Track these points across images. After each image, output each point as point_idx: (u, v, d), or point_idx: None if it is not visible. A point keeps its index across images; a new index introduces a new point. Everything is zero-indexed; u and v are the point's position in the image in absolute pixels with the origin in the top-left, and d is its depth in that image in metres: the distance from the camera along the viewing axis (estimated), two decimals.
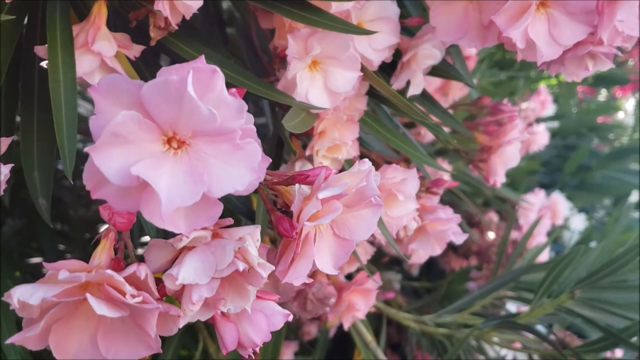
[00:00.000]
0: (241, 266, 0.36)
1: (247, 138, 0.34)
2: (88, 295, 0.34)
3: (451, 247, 1.46)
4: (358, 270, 0.77)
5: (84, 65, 0.49)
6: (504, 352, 1.21)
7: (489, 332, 1.01)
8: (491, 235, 1.47)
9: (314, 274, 0.74)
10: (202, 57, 0.34)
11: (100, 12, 0.51)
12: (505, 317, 1.08)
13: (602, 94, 3.51)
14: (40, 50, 0.51)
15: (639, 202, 2.45)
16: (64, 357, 0.38)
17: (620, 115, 3.72)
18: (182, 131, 0.34)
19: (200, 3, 0.51)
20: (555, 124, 2.26)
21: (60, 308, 0.37)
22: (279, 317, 0.44)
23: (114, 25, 0.55)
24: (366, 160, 0.42)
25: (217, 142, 0.34)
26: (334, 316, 0.75)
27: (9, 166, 0.42)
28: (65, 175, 0.45)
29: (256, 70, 0.67)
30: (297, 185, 0.42)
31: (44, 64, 0.52)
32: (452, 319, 1.07)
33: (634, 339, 0.88)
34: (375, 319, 1.22)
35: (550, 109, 1.86)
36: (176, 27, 0.52)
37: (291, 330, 1.25)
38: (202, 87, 0.33)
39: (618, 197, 2.49)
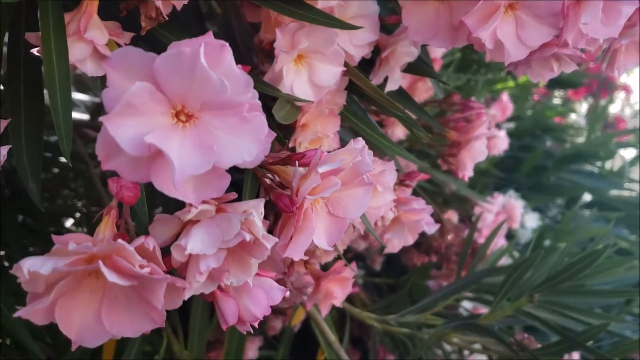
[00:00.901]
0: (248, 237, 0.38)
1: (254, 111, 0.36)
2: (100, 263, 0.35)
3: (413, 244, 1.49)
4: (334, 260, 0.79)
5: (76, 53, 0.50)
6: (464, 352, 1.24)
7: (449, 333, 1.03)
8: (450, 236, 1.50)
9: (291, 264, 0.75)
10: (210, 32, 0.36)
11: (91, 1, 0.51)
12: (466, 319, 1.11)
13: (557, 97, 3.65)
14: (31, 36, 0.51)
15: (590, 203, 2.56)
16: (69, 331, 0.39)
17: (573, 116, 3.89)
18: (191, 104, 0.35)
19: None
20: (511, 125, 2.34)
21: (67, 281, 0.37)
22: (277, 292, 0.45)
23: (102, 14, 0.55)
24: (360, 138, 0.44)
25: (225, 116, 0.36)
26: (312, 304, 0.76)
27: (7, 147, 0.42)
28: None
29: (238, 63, 0.68)
30: (296, 162, 0.43)
31: (34, 50, 0.53)
32: (415, 318, 1.09)
33: (591, 343, 0.90)
34: (338, 317, 1.24)
35: (510, 114, 1.95)
36: (166, 18, 0.53)
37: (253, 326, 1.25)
38: (212, 60, 0.34)
39: (571, 198, 2.59)
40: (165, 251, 0.41)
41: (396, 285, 1.56)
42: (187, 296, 0.40)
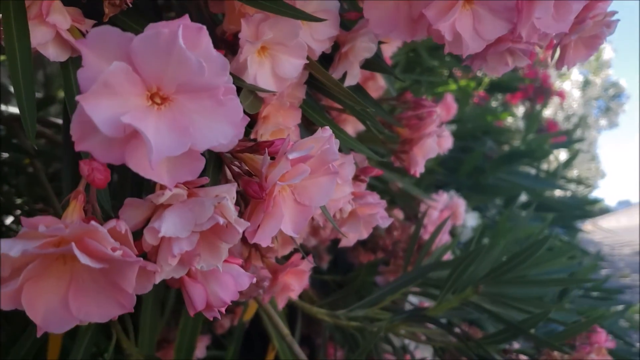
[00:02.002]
0: (221, 220, 0.38)
1: (229, 94, 0.36)
2: (73, 245, 0.34)
3: (360, 242, 1.52)
4: (291, 253, 0.80)
5: (38, 37, 0.49)
6: (409, 344, 1.27)
7: (397, 325, 1.06)
8: (396, 232, 1.54)
9: (248, 258, 0.76)
10: (187, 15, 0.36)
11: None
12: (414, 311, 1.14)
13: (496, 100, 3.79)
14: None
15: (527, 202, 2.67)
16: (34, 316, 0.38)
17: (510, 120, 4.06)
18: (167, 86, 0.35)
19: None
20: (452, 127, 2.42)
21: (35, 265, 0.36)
22: (245, 278, 0.46)
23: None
24: (327, 127, 0.45)
25: (201, 98, 0.36)
26: (269, 297, 0.77)
27: None
28: None
29: None
30: (265, 150, 0.44)
31: None
32: (364, 313, 1.11)
33: (532, 331, 0.95)
34: (289, 314, 1.25)
35: (454, 114, 2.01)
36: (130, 5, 0.53)
37: (204, 324, 1.24)
38: (190, 42, 0.35)
39: (509, 198, 2.69)
40: (135, 236, 0.40)
41: (344, 282, 1.59)
42: (157, 280, 0.40)
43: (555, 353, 0.93)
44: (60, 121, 1.08)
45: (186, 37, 0.34)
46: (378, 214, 0.78)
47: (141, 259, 0.37)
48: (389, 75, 0.73)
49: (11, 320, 1.18)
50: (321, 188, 0.47)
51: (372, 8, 0.61)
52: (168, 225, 0.37)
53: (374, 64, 0.71)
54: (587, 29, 0.66)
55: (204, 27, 0.35)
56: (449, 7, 0.57)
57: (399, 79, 0.74)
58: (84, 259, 0.34)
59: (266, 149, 0.45)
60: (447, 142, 1.75)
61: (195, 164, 0.37)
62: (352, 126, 1.07)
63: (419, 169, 0.88)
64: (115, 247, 0.36)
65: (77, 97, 0.32)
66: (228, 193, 0.40)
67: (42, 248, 0.35)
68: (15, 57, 0.48)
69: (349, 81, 0.69)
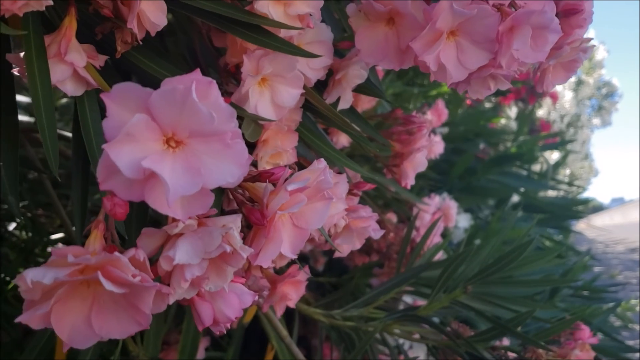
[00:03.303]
0: (228, 248, 0.43)
1: (236, 138, 0.41)
2: (99, 274, 0.39)
3: None
4: (288, 264, 0.85)
5: (57, 74, 0.54)
6: (404, 342, 1.32)
7: (391, 325, 1.10)
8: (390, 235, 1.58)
9: (248, 269, 0.80)
10: (198, 70, 0.41)
11: (71, 25, 0.55)
12: (406, 311, 1.19)
13: (489, 101, 3.83)
14: (12, 57, 0.54)
15: (518, 204, 2.71)
16: (62, 334, 0.43)
17: (503, 121, 4.10)
18: (181, 132, 0.40)
19: (165, 22, 0.57)
20: (445, 130, 2.46)
21: (64, 290, 0.41)
22: (248, 296, 0.51)
23: (78, 37, 0.59)
24: (322, 159, 0.50)
25: (211, 142, 0.41)
26: (268, 305, 0.82)
27: None
28: None
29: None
30: (267, 180, 0.49)
31: (15, 70, 0.56)
32: (359, 313, 1.16)
33: (519, 329, 0.98)
34: (286, 315, 1.29)
35: (445, 119, 2.06)
36: (140, 42, 0.57)
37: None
38: (201, 95, 0.39)
39: (501, 199, 2.73)
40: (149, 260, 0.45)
41: (339, 284, 1.64)
42: (171, 301, 0.45)
43: (540, 350, 0.98)
44: (64, 133, 1.13)
45: (198, 90, 0.39)
46: (370, 226, 0.83)
47: (158, 283, 0.42)
48: (380, 97, 0.77)
49: (11, 321, 1.22)
50: (317, 213, 0.52)
51: (363, 39, 0.66)
52: (181, 253, 0.42)
53: (365, 88, 0.75)
54: (565, 54, 0.71)
55: (214, 81, 0.40)
56: (434, 40, 0.62)
57: (388, 101, 0.79)
58: (108, 286, 0.39)
59: (267, 179, 0.50)
60: (438, 148, 1.80)
61: (206, 199, 0.41)
62: (346, 136, 1.12)
63: (409, 182, 0.93)
64: (135, 273, 0.41)
65: (104, 146, 0.37)
66: (234, 223, 0.45)
67: (71, 276, 0.39)
68: (38, 93, 0.52)
69: (342, 105, 0.74)
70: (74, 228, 1.07)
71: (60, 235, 1.43)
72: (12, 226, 1.47)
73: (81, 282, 0.43)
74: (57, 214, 1.25)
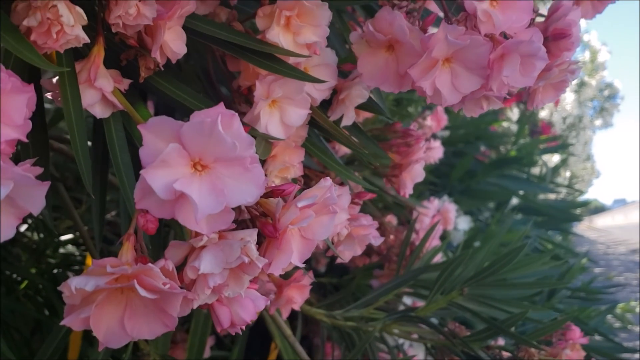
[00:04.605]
0: (246, 259, 0.49)
1: (254, 163, 0.47)
2: (135, 282, 0.45)
3: None
4: (294, 270, 0.90)
5: (88, 99, 0.59)
6: (403, 342, 1.37)
7: (390, 325, 1.15)
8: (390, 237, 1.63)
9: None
10: (222, 103, 0.46)
11: (99, 53, 0.60)
12: (405, 312, 1.23)
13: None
14: (46, 83, 0.60)
15: (518, 206, 2.76)
16: (99, 335, 0.48)
17: (505, 123, 4.13)
18: (207, 158, 0.46)
19: (185, 50, 0.63)
20: (445, 133, 2.50)
21: (103, 296, 0.47)
22: (261, 301, 0.56)
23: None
24: (328, 178, 0.56)
25: (233, 166, 0.46)
26: (275, 308, 0.87)
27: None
28: None
29: (214, 101, 0.78)
30: (278, 197, 0.55)
31: (48, 95, 0.61)
32: (359, 313, 1.21)
33: (513, 329, 1.03)
34: (289, 315, 1.35)
35: (445, 124, 2.11)
36: (162, 68, 0.63)
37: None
38: (225, 126, 0.45)
39: (500, 202, 2.77)
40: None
41: (340, 284, 1.68)
42: (195, 306, 0.51)
43: (532, 349, 1.03)
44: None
45: (222, 122, 0.45)
46: (371, 234, 0.89)
47: (185, 290, 0.48)
48: (381, 114, 0.83)
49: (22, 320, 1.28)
50: (323, 225, 0.58)
51: (364, 64, 0.72)
52: (206, 264, 0.48)
53: (368, 106, 0.81)
54: (554, 76, 0.76)
55: (236, 114, 0.45)
56: (430, 67, 0.67)
57: (389, 117, 0.85)
58: (143, 292, 0.45)
59: (279, 196, 0.55)
60: (437, 153, 1.85)
61: (228, 217, 0.47)
62: None
63: (407, 191, 0.99)
64: (165, 282, 0.47)
65: (141, 172, 0.43)
66: (251, 237, 0.50)
67: (110, 284, 0.45)
68: (71, 116, 0.58)
69: (345, 122, 0.79)
70: (85, 228, 1.14)
71: (70, 236, 1.49)
72: (23, 227, 1.52)
73: (116, 289, 0.48)
74: (69, 216, 1.30)
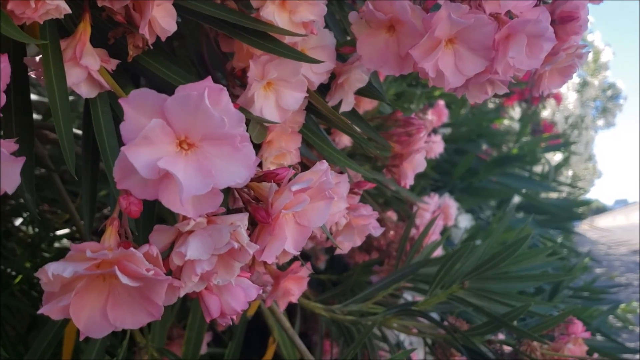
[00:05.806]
0: (236, 245, 0.46)
1: (244, 142, 0.44)
2: (116, 269, 0.42)
3: None
4: (291, 261, 0.88)
5: (72, 77, 0.56)
6: (402, 336, 1.35)
7: (389, 319, 1.13)
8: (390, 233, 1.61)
9: (252, 265, 0.83)
10: (210, 77, 0.43)
11: (85, 30, 0.58)
12: (405, 306, 1.21)
13: (492, 102, 3.85)
14: (29, 61, 0.57)
15: (520, 205, 2.73)
16: (79, 324, 0.45)
17: (507, 122, 4.11)
18: (194, 135, 0.43)
19: (175, 27, 0.60)
20: (447, 130, 2.47)
21: (83, 283, 0.44)
22: (253, 290, 0.53)
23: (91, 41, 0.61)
24: (324, 161, 0.53)
25: (221, 145, 0.43)
26: (272, 300, 0.84)
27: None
28: None
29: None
30: (272, 181, 0.52)
31: (31, 73, 0.58)
32: (358, 307, 1.18)
33: (514, 323, 1.01)
34: (287, 309, 1.32)
35: (445, 119, 2.09)
36: (151, 47, 0.60)
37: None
38: (212, 101, 0.42)
39: (502, 200, 2.75)
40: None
41: (339, 281, 1.66)
42: (182, 294, 0.48)
43: (535, 343, 1.01)
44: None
45: (210, 96, 0.42)
46: (370, 224, 0.86)
47: (170, 277, 0.45)
48: (380, 100, 0.80)
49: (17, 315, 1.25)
50: (319, 211, 0.55)
51: (364, 45, 0.69)
52: (192, 250, 0.45)
53: (367, 91, 0.78)
54: (561, 60, 0.73)
55: (225, 88, 0.42)
56: (433, 47, 0.64)
57: (389, 104, 0.82)
58: (124, 279, 0.42)
59: (272, 180, 0.52)
60: (437, 147, 1.82)
61: (216, 199, 0.44)
62: (348, 136, 1.14)
63: (408, 182, 0.96)
64: (148, 268, 0.44)
65: (122, 148, 0.40)
66: (241, 221, 0.47)
67: (89, 270, 0.42)
68: (55, 95, 0.55)
69: (344, 107, 0.76)
70: (82, 222, 1.11)
71: (66, 230, 1.46)
72: (18, 221, 1.50)
73: (98, 276, 0.45)
74: (65, 209, 1.27)
